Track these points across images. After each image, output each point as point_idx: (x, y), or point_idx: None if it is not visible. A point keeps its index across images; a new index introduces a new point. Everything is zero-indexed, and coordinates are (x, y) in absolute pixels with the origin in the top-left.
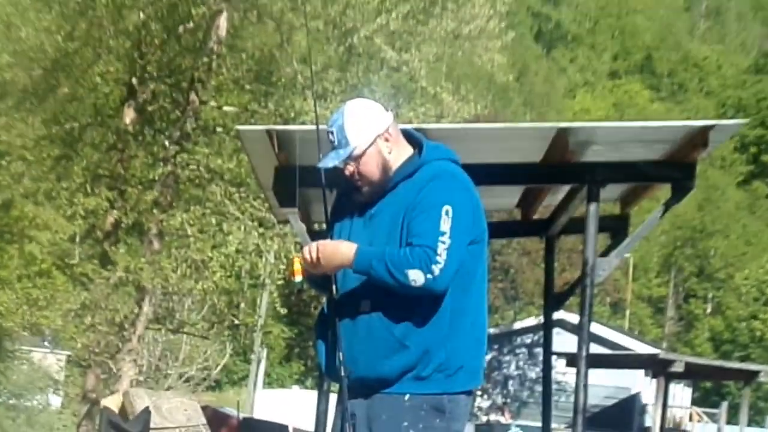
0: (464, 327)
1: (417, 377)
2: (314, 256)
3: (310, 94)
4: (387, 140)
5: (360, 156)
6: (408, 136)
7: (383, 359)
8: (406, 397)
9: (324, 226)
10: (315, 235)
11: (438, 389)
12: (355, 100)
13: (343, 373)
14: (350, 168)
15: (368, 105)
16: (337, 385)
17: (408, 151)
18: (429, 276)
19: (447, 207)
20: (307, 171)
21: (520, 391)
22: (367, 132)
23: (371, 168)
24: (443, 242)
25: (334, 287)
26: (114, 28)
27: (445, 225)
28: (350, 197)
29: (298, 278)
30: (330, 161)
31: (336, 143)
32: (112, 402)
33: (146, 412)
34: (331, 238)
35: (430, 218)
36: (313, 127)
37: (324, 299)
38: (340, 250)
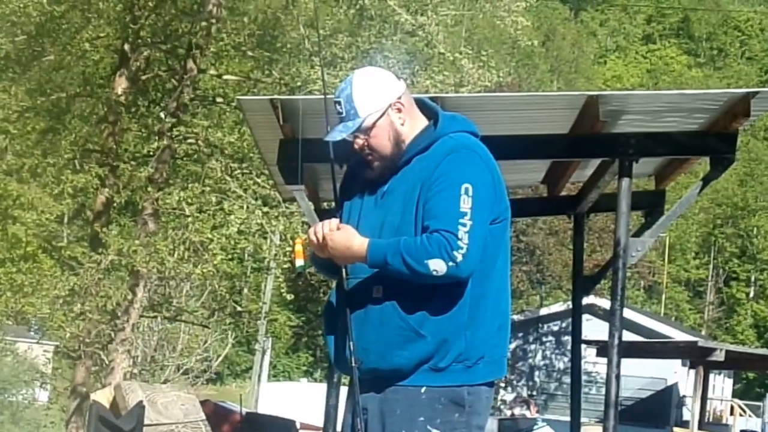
0: (485, 313)
1: (434, 368)
2: (320, 237)
3: (317, 61)
4: (399, 110)
5: (370, 128)
6: (422, 106)
7: (397, 349)
8: (423, 389)
9: (333, 204)
10: (323, 214)
11: (457, 381)
12: (365, 68)
13: (353, 364)
14: (360, 141)
15: (378, 73)
16: (348, 378)
17: (422, 122)
18: (451, 264)
19: (466, 185)
20: (314, 145)
21: (547, 382)
22: (378, 102)
23: (382, 141)
24: (464, 225)
25: (343, 271)
26: None
27: (465, 205)
28: (360, 173)
29: (299, 262)
30: (338, 134)
31: (344, 114)
32: (102, 396)
33: (140, 406)
34: (340, 218)
35: (448, 198)
36: (321, 96)
37: (333, 284)
38: (353, 246)
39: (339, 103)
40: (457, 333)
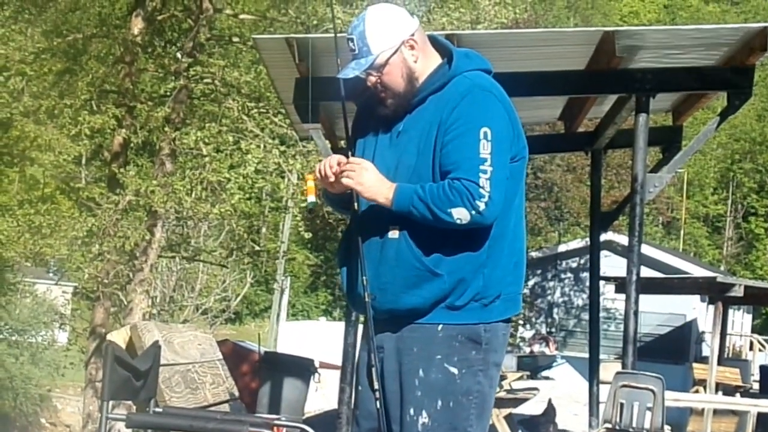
0: (502, 252)
1: (451, 307)
2: (329, 172)
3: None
4: (412, 48)
5: (383, 65)
6: (436, 43)
7: (414, 289)
8: (439, 327)
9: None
10: (339, 152)
11: (474, 319)
12: (378, 5)
13: (367, 299)
14: (372, 78)
15: (391, 9)
16: (364, 317)
17: (436, 60)
18: (474, 213)
19: (485, 129)
20: (329, 83)
21: (565, 319)
22: (390, 38)
23: (395, 78)
24: (485, 171)
25: (356, 205)
26: None
27: (485, 150)
28: (374, 110)
29: (311, 198)
30: (350, 71)
31: (357, 52)
32: (118, 336)
33: (155, 346)
34: (352, 154)
35: (467, 144)
36: (338, 35)
37: (348, 219)
38: (383, 187)
39: (352, 40)
40: (475, 272)
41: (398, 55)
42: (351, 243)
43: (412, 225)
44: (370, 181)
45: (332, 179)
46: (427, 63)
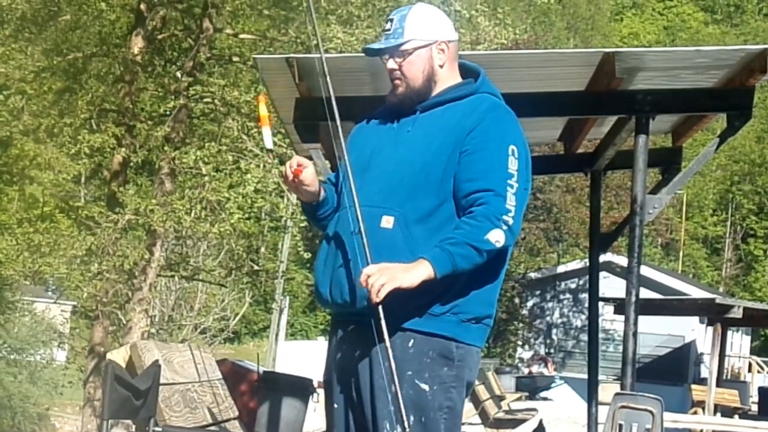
0: (492, 275)
1: (429, 313)
2: (289, 171)
3: (334, 20)
4: (442, 51)
5: (409, 52)
6: (462, 67)
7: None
8: (410, 342)
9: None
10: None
11: (447, 332)
12: (429, 5)
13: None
14: (394, 62)
15: (439, 12)
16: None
17: (458, 78)
18: (505, 228)
19: (513, 146)
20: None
21: (564, 340)
22: (427, 32)
23: (416, 71)
24: (511, 186)
25: (321, 200)
26: None
27: (513, 166)
28: (375, 121)
29: (267, 134)
30: (378, 44)
31: (390, 32)
32: (118, 355)
33: (156, 366)
34: (338, 170)
35: (496, 156)
36: (337, 55)
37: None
38: (417, 269)
39: (391, 20)
40: (465, 284)
41: (427, 50)
42: (334, 240)
43: (406, 222)
44: (400, 271)
45: (291, 177)
46: (450, 74)
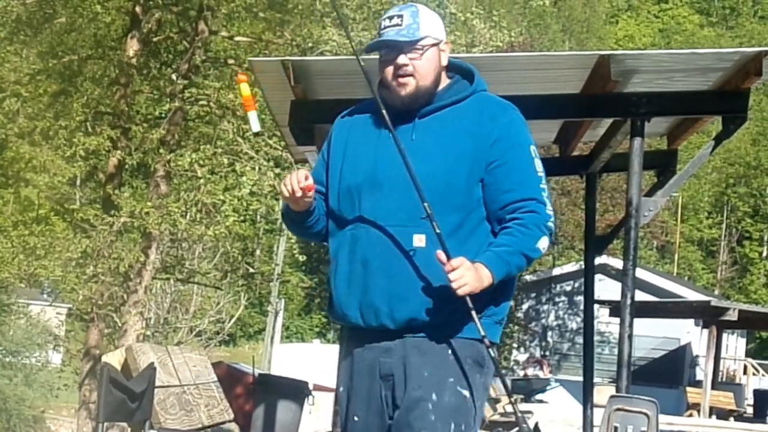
0: (516, 277)
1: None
2: (296, 187)
3: (329, 22)
4: (444, 52)
5: (426, 48)
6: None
7: (440, 297)
8: (450, 349)
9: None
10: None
11: (476, 334)
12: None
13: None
14: (406, 58)
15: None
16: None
17: (446, 78)
18: (549, 235)
19: (532, 146)
20: (326, 105)
21: (559, 343)
22: (438, 32)
23: (428, 69)
24: (544, 189)
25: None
26: None
27: (539, 168)
28: (359, 127)
29: (253, 117)
30: (398, 36)
31: (402, 26)
32: (113, 358)
33: (151, 368)
34: (327, 163)
35: (525, 161)
36: (334, 57)
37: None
38: (483, 273)
39: (400, 16)
40: (504, 288)
41: (436, 50)
42: (359, 262)
43: (436, 234)
44: (475, 273)
45: (299, 194)
46: (445, 76)
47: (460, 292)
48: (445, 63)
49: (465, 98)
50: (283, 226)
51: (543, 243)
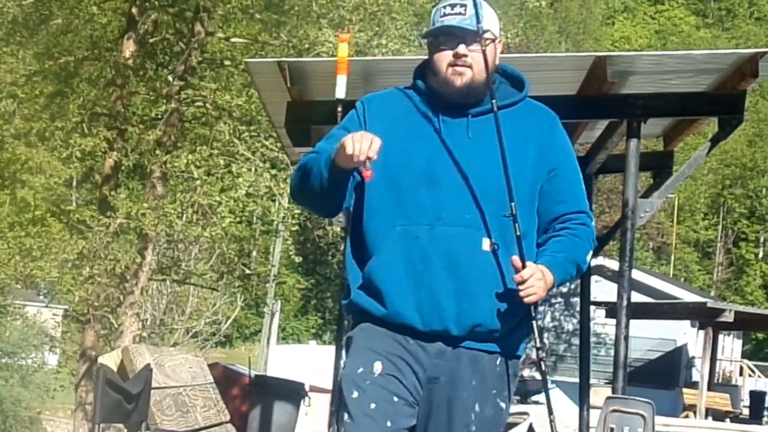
0: None
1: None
2: (362, 149)
3: (325, 23)
4: (498, 51)
5: (489, 41)
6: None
7: (507, 303)
8: (498, 360)
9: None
10: None
11: (521, 351)
12: None
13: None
14: (468, 49)
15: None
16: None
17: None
18: (593, 249)
19: (576, 160)
20: (323, 106)
21: (556, 344)
22: (496, 28)
23: (487, 62)
24: (587, 204)
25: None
26: None
27: (582, 182)
28: (400, 114)
29: (341, 82)
30: (462, 24)
31: (466, 16)
32: (109, 359)
33: (147, 369)
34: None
35: (577, 174)
36: (330, 59)
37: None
38: (549, 279)
39: (464, 5)
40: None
41: (495, 47)
42: (423, 260)
43: (507, 239)
44: (545, 282)
45: (363, 159)
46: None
47: (528, 300)
48: (497, 62)
49: (517, 102)
50: (280, 227)
51: (590, 256)
